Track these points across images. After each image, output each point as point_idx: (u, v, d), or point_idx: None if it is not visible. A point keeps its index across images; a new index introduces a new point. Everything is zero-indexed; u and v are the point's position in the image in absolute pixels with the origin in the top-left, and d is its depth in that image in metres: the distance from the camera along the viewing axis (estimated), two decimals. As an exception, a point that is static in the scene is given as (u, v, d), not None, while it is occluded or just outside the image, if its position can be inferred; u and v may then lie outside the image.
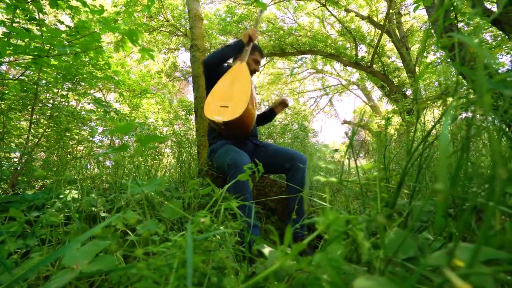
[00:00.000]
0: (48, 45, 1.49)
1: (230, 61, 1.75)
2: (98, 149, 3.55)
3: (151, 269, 0.28)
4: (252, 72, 1.76)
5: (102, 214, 1.20)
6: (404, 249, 0.38)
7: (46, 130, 2.29)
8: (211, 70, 1.63)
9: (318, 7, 7.78)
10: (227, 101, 1.41)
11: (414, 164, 0.60)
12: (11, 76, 2.36)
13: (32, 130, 2.17)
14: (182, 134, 3.35)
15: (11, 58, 1.65)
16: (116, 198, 1.25)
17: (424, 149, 0.44)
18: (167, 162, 3.07)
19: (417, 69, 5.14)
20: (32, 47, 1.61)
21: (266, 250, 0.41)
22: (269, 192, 1.59)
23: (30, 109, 2.06)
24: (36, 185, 2.33)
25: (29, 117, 2.04)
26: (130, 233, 0.81)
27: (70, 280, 0.45)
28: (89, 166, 2.59)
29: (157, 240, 0.76)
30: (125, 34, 1.32)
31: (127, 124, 0.55)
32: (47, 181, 2.19)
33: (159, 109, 4.36)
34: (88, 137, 2.67)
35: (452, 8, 1.53)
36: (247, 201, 1.20)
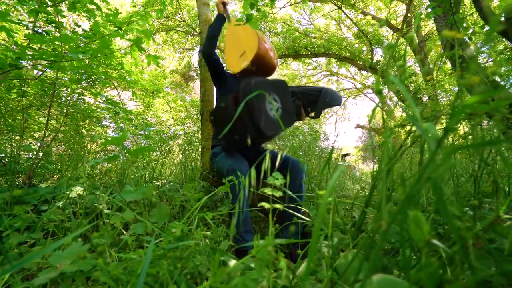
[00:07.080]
0: (64, 50, 1.59)
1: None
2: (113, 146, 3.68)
3: (110, 276, 0.33)
4: None
5: (106, 211, 1.27)
6: (355, 271, 0.41)
7: (63, 126, 2.41)
8: (210, 55, 1.67)
9: (335, 9, 7.70)
10: (241, 50, 1.52)
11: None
12: (35, 72, 2.51)
13: (49, 126, 2.30)
14: (192, 135, 3.42)
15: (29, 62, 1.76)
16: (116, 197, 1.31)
17: (386, 175, 0.46)
18: (174, 161, 3.15)
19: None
20: (51, 49, 1.72)
21: (231, 262, 0.45)
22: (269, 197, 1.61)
23: (48, 106, 2.18)
24: (55, 177, 2.45)
25: (47, 114, 2.16)
26: (124, 232, 0.87)
27: (53, 277, 0.50)
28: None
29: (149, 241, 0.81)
30: (133, 41, 1.39)
31: (119, 137, 0.60)
32: (67, 173, 2.31)
33: (171, 108, 4.46)
34: (102, 132, 2.79)
35: (455, 22, 1.51)
36: (242, 208, 1.24)
